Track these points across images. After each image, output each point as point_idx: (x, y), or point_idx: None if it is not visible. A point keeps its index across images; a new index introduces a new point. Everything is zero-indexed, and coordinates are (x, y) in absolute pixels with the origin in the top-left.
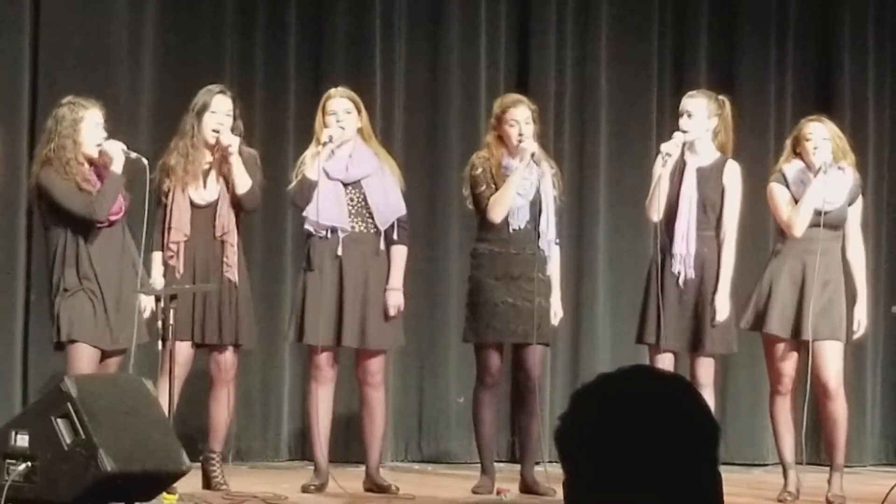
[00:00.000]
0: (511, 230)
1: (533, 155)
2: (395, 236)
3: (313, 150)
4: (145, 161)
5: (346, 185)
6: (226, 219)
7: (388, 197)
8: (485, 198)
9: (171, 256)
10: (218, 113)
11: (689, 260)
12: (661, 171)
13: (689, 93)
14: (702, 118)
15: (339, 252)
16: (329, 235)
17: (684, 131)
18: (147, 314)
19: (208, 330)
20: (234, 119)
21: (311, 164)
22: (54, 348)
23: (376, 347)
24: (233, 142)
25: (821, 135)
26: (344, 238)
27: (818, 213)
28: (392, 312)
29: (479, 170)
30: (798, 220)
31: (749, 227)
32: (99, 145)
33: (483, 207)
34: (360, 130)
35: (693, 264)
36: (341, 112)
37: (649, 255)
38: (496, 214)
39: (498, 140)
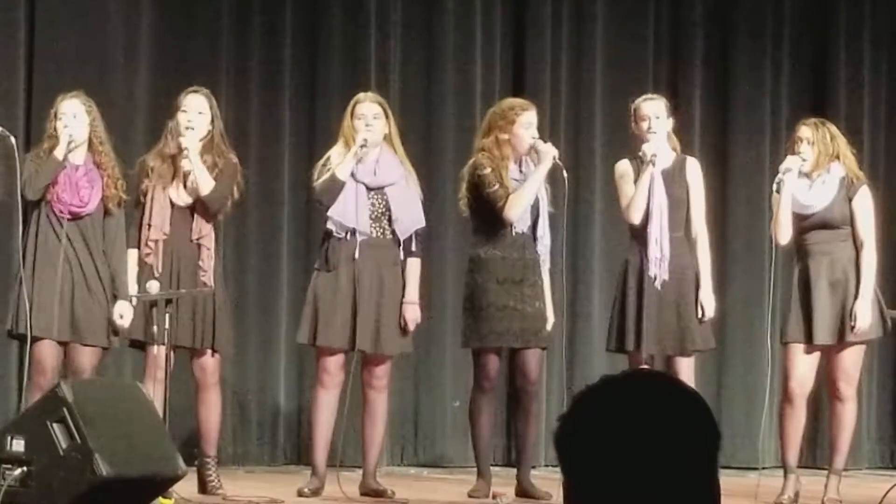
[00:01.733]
0: (514, 233)
1: (555, 157)
2: (412, 248)
3: (339, 149)
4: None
5: (370, 189)
6: (203, 221)
7: (411, 207)
8: (500, 196)
9: (149, 254)
10: (189, 111)
11: (665, 263)
12: (650, 172)
13: (646, 96)
14: (664, 119)
15: (356, 255)
16: (348, 237)
17: (654, 132)
18: (122, 320)
19: (183, 334)
20: (213, 119)
21: (342, 164)
22: (8, 336)
23: (389, 352)
24: (189, 144)
25: (807, 139)
26: (361, 242)
27: (803, 216)
28: (411, 327)
29: (488, 169)
30: (776, 229)
31: (743, 233)
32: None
33: (499, 206)
34: (386, 136)
35: (667, 267)
36: (370, 116)
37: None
38: (515, 213)
39: (505, 142)
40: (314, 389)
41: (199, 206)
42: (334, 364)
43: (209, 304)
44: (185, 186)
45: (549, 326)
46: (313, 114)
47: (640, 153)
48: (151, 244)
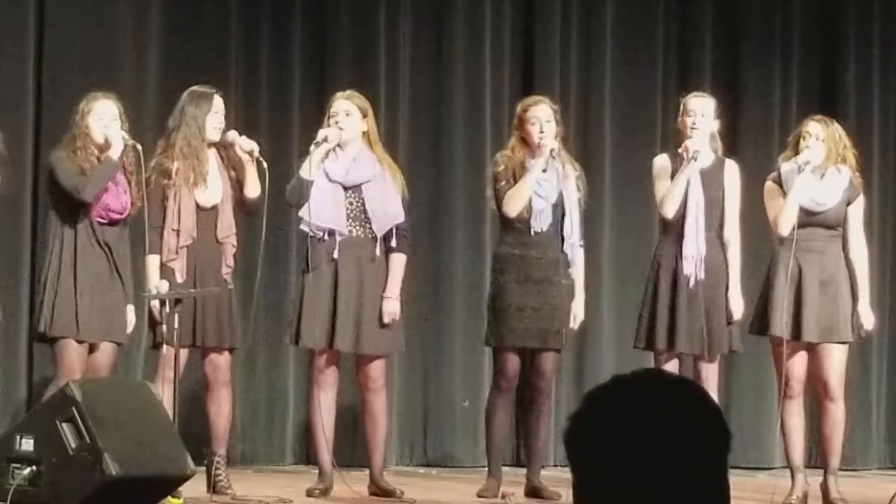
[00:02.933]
0: (533, 233)
1: (552, 151)
2: (393, 243)
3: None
4: (139, 147)
5: (346, 188)
6: (229, 220)
7: (387, 203)
8: (503, 192)
9: (174, 259)
10: (219, 113)
11: (700, 262)
12: (690, 168)
13: (695, 93)
14: (710, 118)
15: (335, 255)
16: (326, 237)
17: (696, 128)
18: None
19: (207, 333)
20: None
21: (304, 163)
22: (37, 340)
23: (371, 353)
24: (254, 146)
25: (817, 135)
26: (340, 241)
27: (810, 213)
28: (386, 320)
29: (502, 167)
30: (781, 219)
31: (753, 228)
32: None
33: (499, 202)
34: (365, 135)
35: (703, 266)
36: (341, 113)
37: (650, 259)
38: (511, 209)
39: (521, 141)
40: (311, 389)
41: (228, 206)
42: (326, 363)
43: (226, 302)
44: (207, 187)
45: (575, 325)
46: (322, 112)
47: (682, 149)
48: (179, 250)
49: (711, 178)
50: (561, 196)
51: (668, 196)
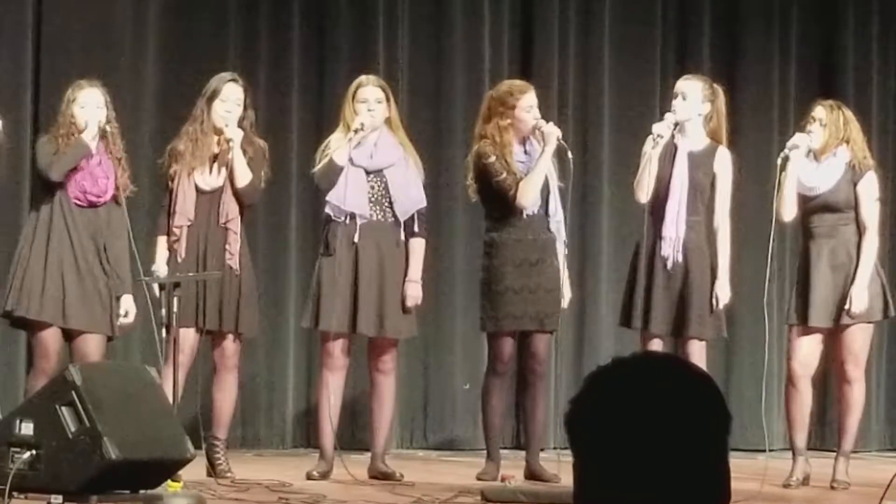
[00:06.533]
0: (526, 216)
1: (559, 138)
2: (415, 228)
3: (339, 135)
4: (108, 128)
5: (368, 172)
6: (230, 206)
7: (410, 188)
8: (508, 184)
9: (176, 241)
10: (227, 101)
11: (678, 244)
12: (651, 153)
13: (685, 76)
14: (695, 101)
15: (356, 239)
16: (347, 221)
17: (675, 112)
18: (127, 317)
19: (209, 317)
20: (245, 109)
21: (339, 149)
22: (4, 318)
23: (393, 336)
24: (234, 136)
25: (820, 119)
26: (362, 225)
27: (807, 198)
28: (410, 304)
29: (493, 157)
30: (780, 207)
31: (751, 215)
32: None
33: (511, 195)
34: (387, 120)
35: (681, 248)
36: (372, 100)
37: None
38: (528, 200)
39: (505, 128)
40: (319, 372)
41: (230, 191)
42: (338, 348)
43: (234, 288)
44: (210, 172)
45: (565, 304)
46: (321, 99)
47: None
48: (177, 231)
49: (700, 163)
50: (546, 177)
51: (637, 181)
